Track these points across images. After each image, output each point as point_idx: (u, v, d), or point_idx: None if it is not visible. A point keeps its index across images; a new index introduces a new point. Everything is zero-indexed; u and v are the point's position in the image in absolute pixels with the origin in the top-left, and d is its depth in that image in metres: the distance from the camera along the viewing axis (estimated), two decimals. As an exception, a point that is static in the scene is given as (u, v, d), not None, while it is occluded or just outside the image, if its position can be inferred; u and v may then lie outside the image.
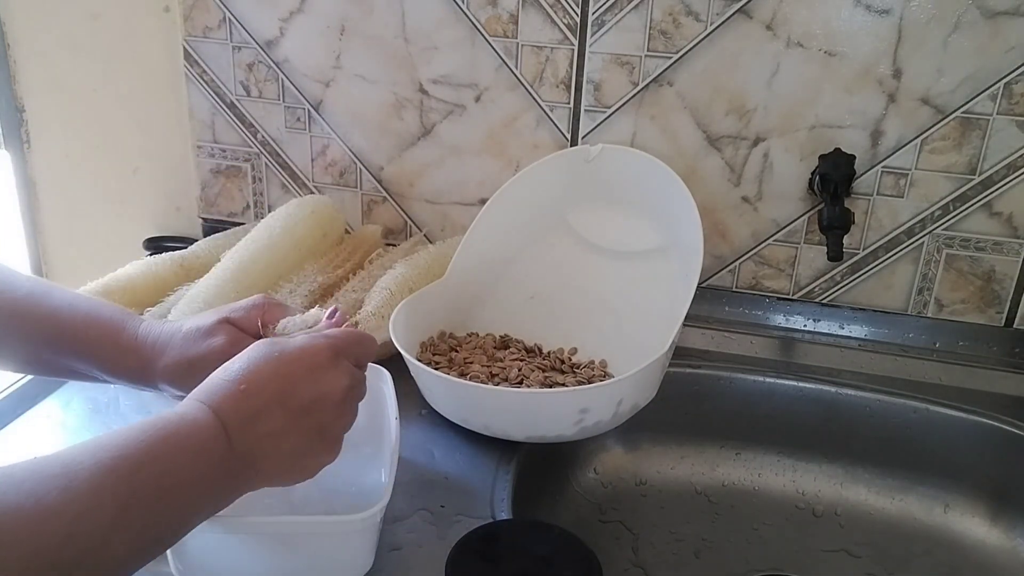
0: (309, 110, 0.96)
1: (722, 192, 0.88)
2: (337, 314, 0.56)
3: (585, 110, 0.89)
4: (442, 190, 0.96)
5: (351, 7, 0.90)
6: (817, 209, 0.85)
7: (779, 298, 0.90)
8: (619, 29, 0.85)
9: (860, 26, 0.80)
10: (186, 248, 0.91)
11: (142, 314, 0.71)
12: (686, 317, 0.70)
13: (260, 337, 0.55)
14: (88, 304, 0.59)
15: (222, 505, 0.46)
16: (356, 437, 0.65)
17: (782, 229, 0.88)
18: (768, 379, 0.82)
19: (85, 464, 0.39)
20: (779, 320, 0.91)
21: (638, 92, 0.86)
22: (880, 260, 0.87)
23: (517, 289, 0.86)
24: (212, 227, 1.03)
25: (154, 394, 0.65)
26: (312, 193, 0.99)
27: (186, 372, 0.55)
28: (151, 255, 0.91)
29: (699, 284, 0.74)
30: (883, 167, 0.84)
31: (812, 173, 0.85)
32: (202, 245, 0.92)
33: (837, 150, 0.83)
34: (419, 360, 0.70)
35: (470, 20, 0.88)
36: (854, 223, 0.82)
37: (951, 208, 0.83)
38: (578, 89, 0.88)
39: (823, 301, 0.90)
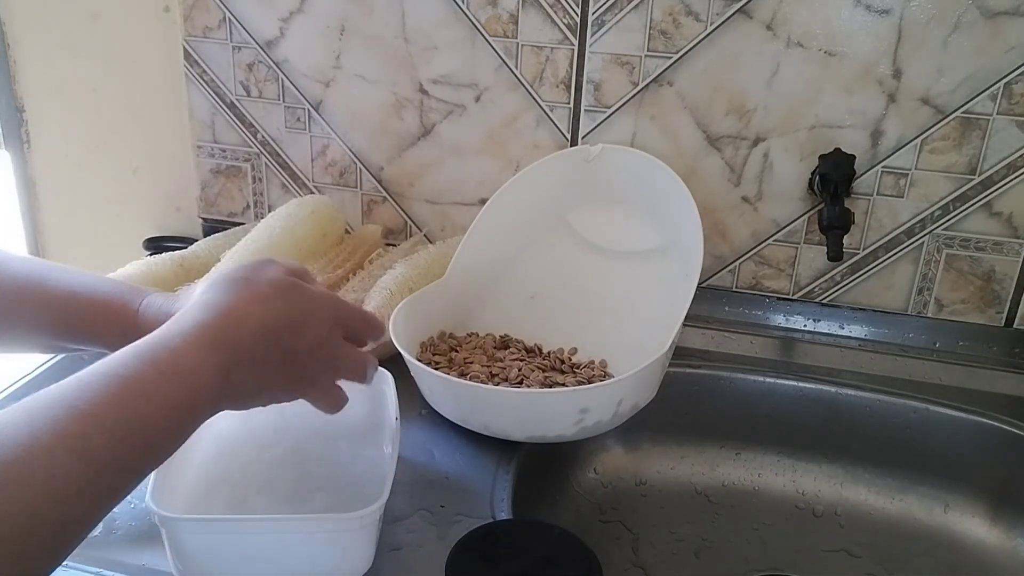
0: (309, 110, 0.96)
1: (722, 192, 0.88)
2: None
3: (585, 110, 0.89)
4: (442, 190, 0.96)
5: (351, 7, 0.90)
6: (817, 209, 0.85)
7: (779, 298, 0.90)
8: (619, 29, 0.85)
9: (860, 26, 0.80)
10: (186, 248, 0.91)
11: None
12: (686, 317, 0.70)
13: None
14: (87, 288, 0.57)
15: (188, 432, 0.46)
16: (356, 437, 0.65)
17: (782, 229, 0.88)
18: (768, 379, 0.82)
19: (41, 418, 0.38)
20: (779, 320, 0.91)
21: (638, 92, 0.86)
22: (880, 260, 0.87)
23: (517, 289, 0.86)
24: (212, 227, 1.03)
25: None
26: (312, 193, 0.99)
27: None
28: (151, 255, 0.91)
29: (699, 284, 0.74)
30: (883, 167, 0.84)
31: (812, 173, 0.85)
32: (202, 245, 0.92)
33: (837, 150, 0.83)
34: (419, 360, 0.70)
35: (470, 20, 0.88)
36: (854, 223, 0.82)
37: (951, 208, 0.83)
38: (578, 89, 0.88)
39: (823, 301, 0.90)
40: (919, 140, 0.82)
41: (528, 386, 0.73)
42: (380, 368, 0.63)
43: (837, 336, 0.89)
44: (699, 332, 0.89)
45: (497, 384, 0.73)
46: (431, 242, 0.95)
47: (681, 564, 0.75)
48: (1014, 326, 0.86)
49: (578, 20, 0.85)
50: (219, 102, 0.98)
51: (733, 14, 0.82)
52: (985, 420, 0.77)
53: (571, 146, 0.90)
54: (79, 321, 0.56)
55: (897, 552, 0.76)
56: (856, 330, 0.89)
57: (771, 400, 0.82)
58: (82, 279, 0.57)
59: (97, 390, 0.41)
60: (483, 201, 0.87)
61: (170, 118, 1.01)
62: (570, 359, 0.81)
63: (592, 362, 0.80)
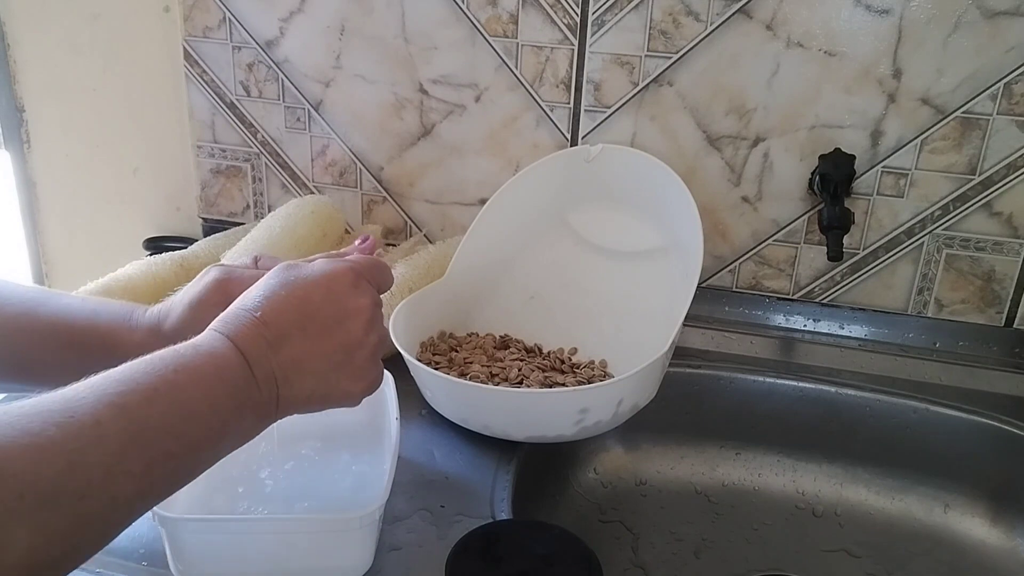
0: (309, 110, 0.96)
1: (722, 192, 0.88)
2: (369, 241, 0.55)
3: (585, 110, 0.89)
4: (442, 190, 0.96)
5: (351, 7, 0.90)
6: (817, 209, 0.85)
7: (779, 298, 0.90)
8: (619, 29, 0.85)
9: (860, 26, 0.80)
10: (186, 248, 0.91)
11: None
12: (686, 317, 0.70)
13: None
14: (86, 316, 0.55)
15: (246, 437, 0.45)
16: (356, 437, 0.65)
17: (782, 229, 0.88)
18: (768, 379, 0.82)
19: (87, 399, 0.38)
20: (779, 320, 0.91)
21: (638, 92, 0.86)
22: (880, 260, 0.87)
23: (517, 289, 0.86)
24: (212, 227, 1.03)
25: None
26: (312, 193, 0.99)
27: (191, 319, 0.54)
28: (151, 255, 0.91)
29: (699, 284, 0.74)
30: (883, 167, 0.84)
31: (812, 173, 0.85)
32: (202, 245, 0.92)
33: (837, 150, 0.83)
34: (419, 360, 0.70)
35: (470, 20, 0.88)
36: (854, 223, 0.82)
37: (951, 208, 0.83)
38: (578, 89, 0.88)
39: (823, 301, 0.90)
40: (919, 140, 0.82)
41: (528, 386, 0.73)
42: (380, 368, 0.63)
43: (837, 336, 0.89)
44: (699, 332, 0.89)
45: (497, 384, 0.73)
46: (431, 242, 0.95)
47: (681, 564, 0.75)
48: (1014, 326, 0.86)
49: (578, 20, 0.85)
50: (219, 102, 0.98)
51: (733, 14, 0.82)
52: (985, 420, 0.77)
53: (571, 146, 0.90)
54: (81, 344, 0.55)
55: (897, 552, 0.76)
56: (856, 330, 0.89)
57: (771, 400, 0.82)
58: (77, 309, 0.56)
59: (148, 367, 0.41)
60: (483, 201, 0.87)
61: (170, 118, 1.01)
62: (570, 359, 0.81)
63: (592, 362, 0.80)
